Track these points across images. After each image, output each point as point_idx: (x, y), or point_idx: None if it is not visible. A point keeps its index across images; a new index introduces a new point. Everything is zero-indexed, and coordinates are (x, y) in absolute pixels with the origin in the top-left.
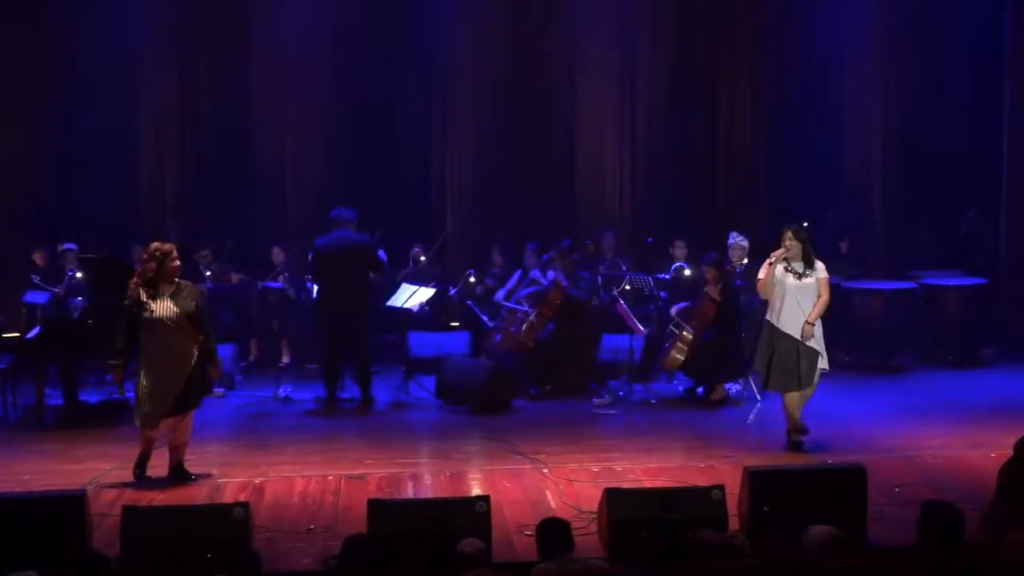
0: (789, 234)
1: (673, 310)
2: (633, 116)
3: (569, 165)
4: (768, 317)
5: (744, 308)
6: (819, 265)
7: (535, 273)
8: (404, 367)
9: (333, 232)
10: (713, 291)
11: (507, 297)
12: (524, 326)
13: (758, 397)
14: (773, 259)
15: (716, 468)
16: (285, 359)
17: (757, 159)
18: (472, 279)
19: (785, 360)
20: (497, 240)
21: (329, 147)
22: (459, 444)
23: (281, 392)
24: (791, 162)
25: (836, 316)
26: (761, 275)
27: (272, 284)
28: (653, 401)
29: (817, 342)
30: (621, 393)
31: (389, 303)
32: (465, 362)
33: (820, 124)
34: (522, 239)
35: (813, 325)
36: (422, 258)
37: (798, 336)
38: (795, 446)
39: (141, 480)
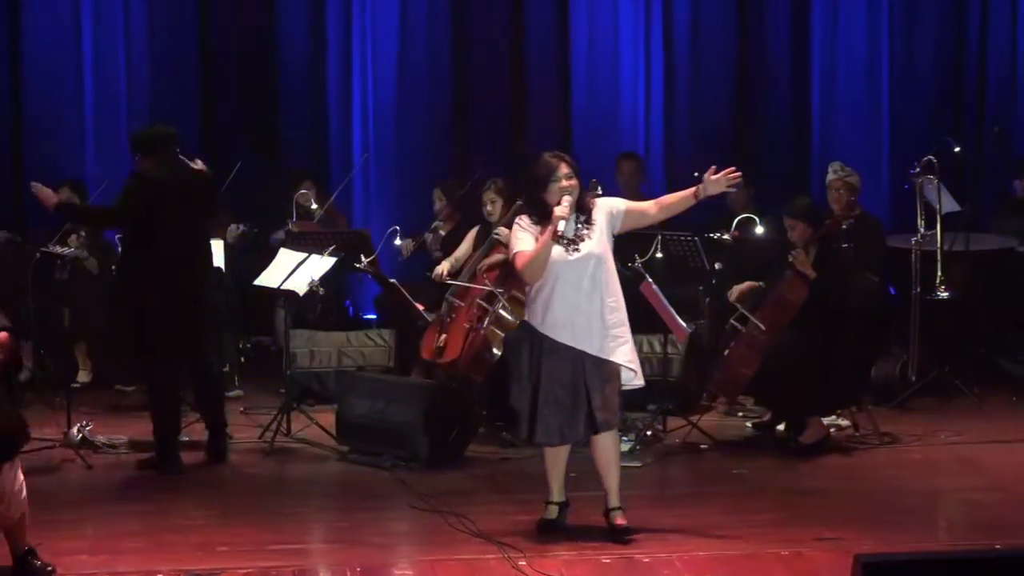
0: (565, 169)
1: (734, 292)
2: None
3: (559, 53)
4: (529, 319)
5: (860, 288)
6: (602, 203)
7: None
8: (284, 389)
9: (171, 169)
10: (802, 261)
11: (457, 271)
12: (487, 320)
13: (876, 438)
14: (562, 214)
15: (808, 556)
16: (83, 376)
17: (875, 56)
18: (398, 242)
19: (556, 390)
20: (440, 177)
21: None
22: (378, 518)
23: (76, 432)
24: (921, 65)
25: (1009, 298)
26: (524, 247)
27: (60, 249)
28: (704, 446)
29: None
30: (649, 433)
31: (259, 282)
32: (387, 382)
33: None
34: (482, 175)
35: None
36: (313, 206)
37: (591, 349)
38: (616, 530)
39: None
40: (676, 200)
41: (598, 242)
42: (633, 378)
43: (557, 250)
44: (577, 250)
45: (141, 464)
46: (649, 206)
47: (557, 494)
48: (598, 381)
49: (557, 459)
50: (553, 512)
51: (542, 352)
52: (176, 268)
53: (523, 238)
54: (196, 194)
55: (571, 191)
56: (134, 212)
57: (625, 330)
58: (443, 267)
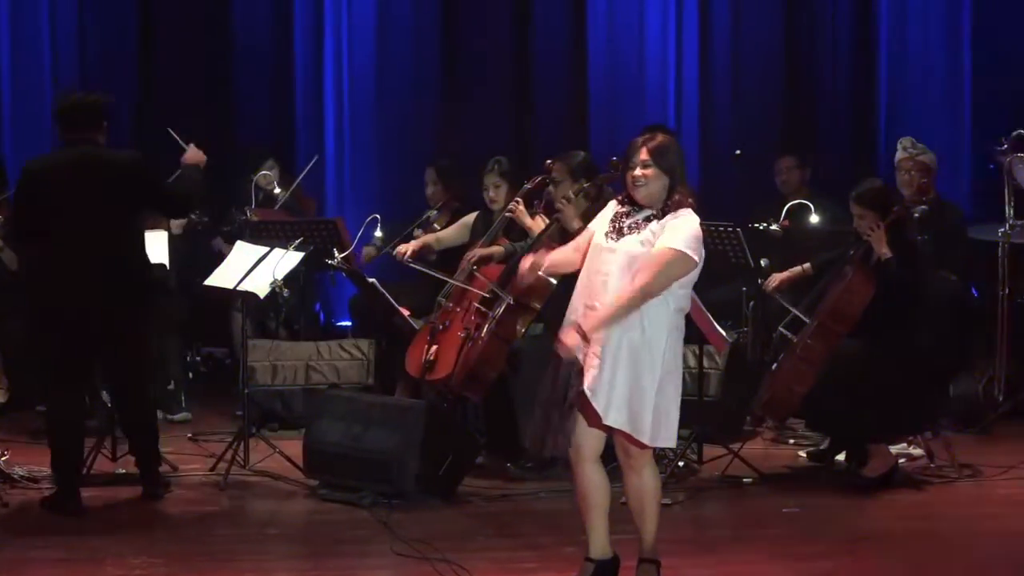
0: (642, 155)
1: (773, 280)
2: None
3: (575, 22)
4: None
5: (936, 289)
6: (682, 221)
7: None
8: (241, 412)
9: (64, 149)
10: (878, 238)
11: (440, 260)
12: (487, 327)
13: (955, 470)
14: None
15: None
16: None
17: (954, 13)
18: (378, 233)
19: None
20: (428, 155)
21: None
22: (354, 565)
23: None
24: (1009, 23)
25: None
26: (581, 238)
27: None
28: (747, 480)
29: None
30: (681, 463)
31: (210, 282)
32: (365, 402)
33: None
34: (480, 156)
35: (603, 321)
36: (276, 190)
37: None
38: None
39: None
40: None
41: (640, 246)
42: (618, 420)
43: (602, 231)
44: (615, 239)
45: (45, 502)
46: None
47: (591, 546)
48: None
49: (587, 502)
50: (588, 571)
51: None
52: (74, 269)
53: (591, 226)
54: (103, 181)
55: (640, 183)
56: (21, 219)
57: (600, 356)
58: (410, 246)
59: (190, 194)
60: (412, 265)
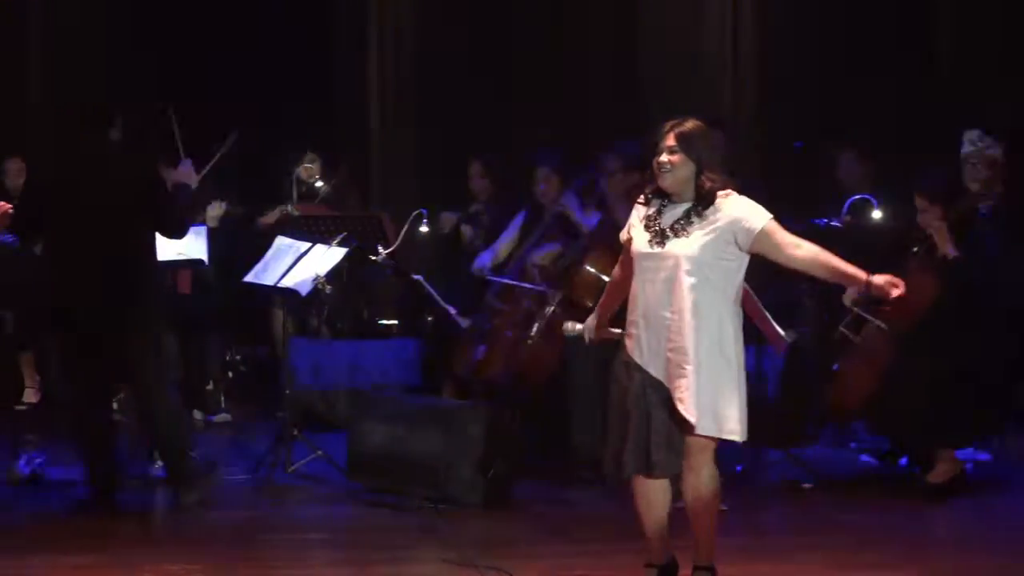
0: (669, 140)
1: (851, 293)
2: None
3: (627, 8)
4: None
5: (1004, 287)
6: (734, 205)
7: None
8: (282, 412)
9: (77, 147)
10: (942, 237)
11: (500, 265)
12: (536, 327)
13: None
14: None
15: None
16: (30, 395)
17: None
18: (425, 228)
19: (635, 419)
20: (476, 146)
21: None
22: (399, 573)
23: (22, 465)
24: None
25: None
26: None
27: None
28: (806, 485)
29: (701, 385)
30: (739, 468)
31: (250, 278)
32: (410, 404)
33: None
34: (528, 148)
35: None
36: (319, 183)
37: (657, 373)
38: None
39: None
40: (836, 268)
41: (693, 245)
42: (709, 428)
43: (641, 238)
44: (660, 244)
45: (79, 504)
46: (795, 245)
47: (653, 553)
48: (663, 411)
49: (647, 505)
50: None
51: (627, 371)
52: (78, 268)
53: (623, 236)
54: (112, 182)
55: (666, 168)
56: (23, 213)
57: (687, 364)
58: (485, 259)
59: (185, 219)
60: (497, 280)
